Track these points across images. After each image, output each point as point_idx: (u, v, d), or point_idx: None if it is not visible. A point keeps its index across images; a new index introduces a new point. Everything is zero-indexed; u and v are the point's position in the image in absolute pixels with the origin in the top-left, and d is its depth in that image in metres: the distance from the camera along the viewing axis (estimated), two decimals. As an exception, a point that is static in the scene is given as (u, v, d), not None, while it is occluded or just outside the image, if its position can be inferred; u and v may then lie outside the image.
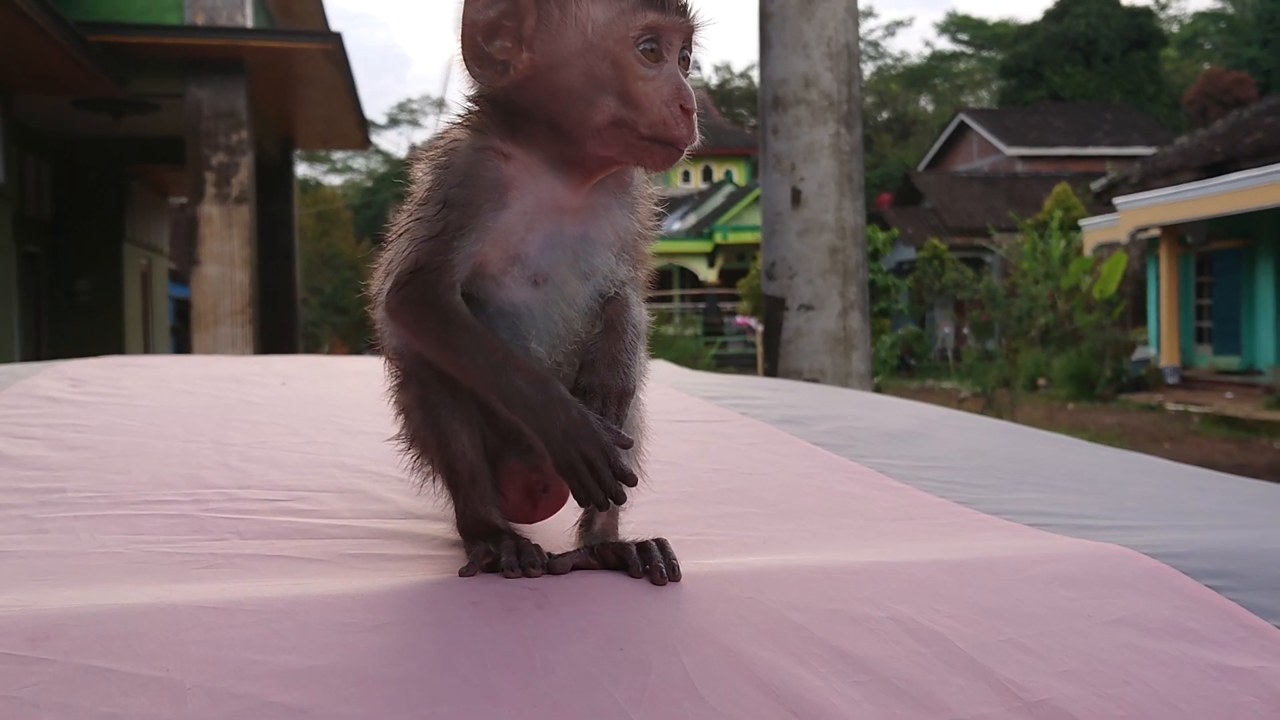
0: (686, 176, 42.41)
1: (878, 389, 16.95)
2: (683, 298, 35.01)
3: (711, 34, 1.15)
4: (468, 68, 1.11)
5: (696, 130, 1.10)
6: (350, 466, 1.62)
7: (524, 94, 1.11)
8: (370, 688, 0.83)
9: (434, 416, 1.15)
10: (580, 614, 0.99)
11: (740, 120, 51.67)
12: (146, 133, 15.80)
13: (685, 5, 1.11)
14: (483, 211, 1.11)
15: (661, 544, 1.10)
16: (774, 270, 6.26)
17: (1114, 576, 1.13)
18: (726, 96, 56.17)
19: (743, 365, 28.38)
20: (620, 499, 1.07)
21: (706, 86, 50.58)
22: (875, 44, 58.97)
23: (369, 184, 59.65)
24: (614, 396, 1.13)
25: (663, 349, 18.29)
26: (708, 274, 36.57)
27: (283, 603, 0.97)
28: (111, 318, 17.01)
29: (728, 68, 59.10)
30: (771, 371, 6.26)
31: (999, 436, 2.27)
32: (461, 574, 1.08)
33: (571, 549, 1.14)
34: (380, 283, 1.17)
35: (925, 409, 2.78)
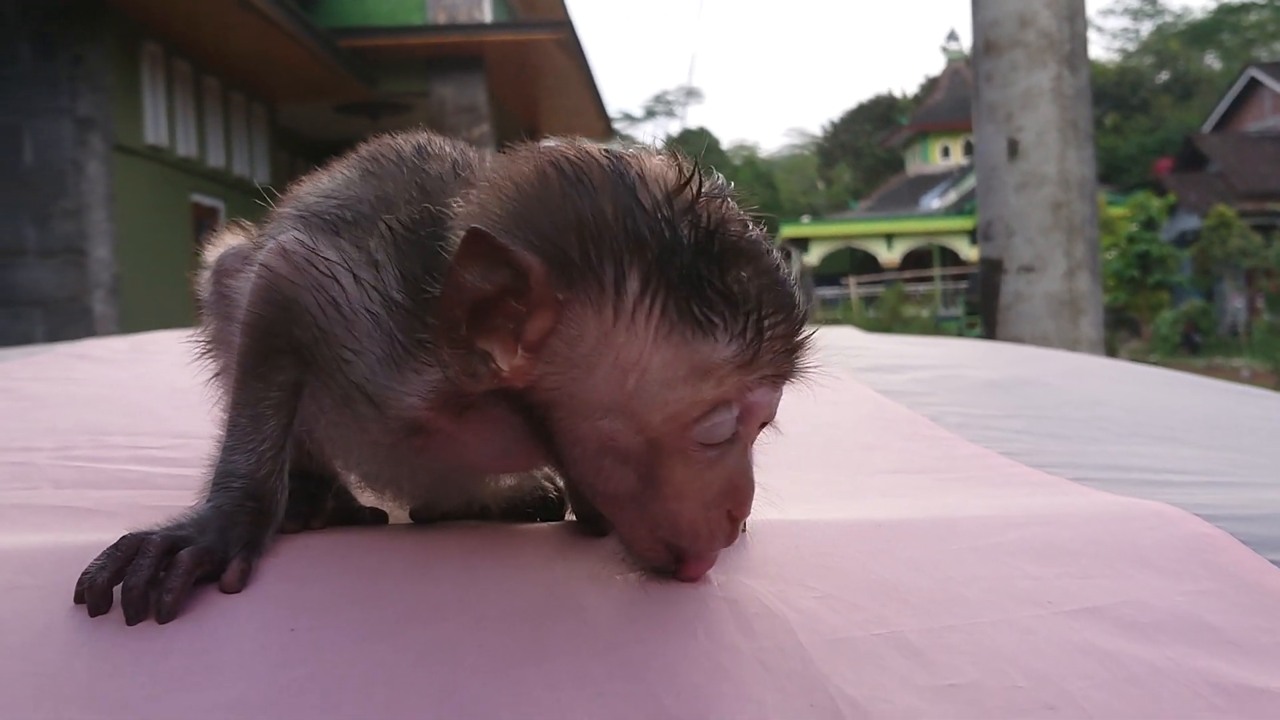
0: (946, 152, 40.75)
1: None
2: (944, 277, 33.59)
3: None
4: (438, 348, 0.71)
5: (738, 534, 0.72)
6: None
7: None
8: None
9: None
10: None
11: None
12: (402, 131, 16.46)
13: (801, 347, 0.71)
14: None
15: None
16: (990, 230, 5.70)
17: (1124, 546, 0.75)
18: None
19: (1005, 346, 27.00)
20: (161, 613, 0.66)
21: (964, 58, 48.47)
22: (1153, 1, 54.81)
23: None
24: None
25: (903, 329, 17.55)
26: (970, 252, 34.98)
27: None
28: (375, 311, 17.87)
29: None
30: (989, 340, 5.71)
31: (1153, 388, 1.82)
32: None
33: None
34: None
35: (1097, 364, 2.32)
